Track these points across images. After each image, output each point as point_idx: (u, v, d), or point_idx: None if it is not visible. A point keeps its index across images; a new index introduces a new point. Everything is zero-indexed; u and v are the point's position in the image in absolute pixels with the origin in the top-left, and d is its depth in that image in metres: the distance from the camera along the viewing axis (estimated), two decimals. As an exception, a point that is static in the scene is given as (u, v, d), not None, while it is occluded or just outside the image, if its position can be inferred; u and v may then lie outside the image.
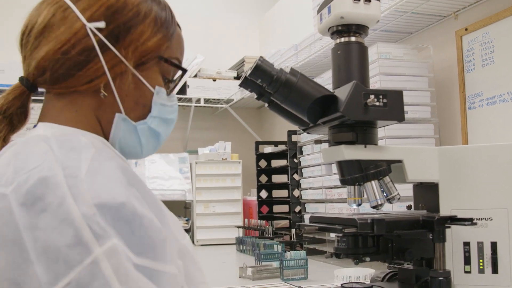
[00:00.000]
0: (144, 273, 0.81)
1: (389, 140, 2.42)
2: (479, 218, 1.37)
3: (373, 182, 1.34)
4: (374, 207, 1.33)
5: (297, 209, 3.50)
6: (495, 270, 1.35)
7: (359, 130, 1.33)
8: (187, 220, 4.40)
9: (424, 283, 1.32)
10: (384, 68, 2.46)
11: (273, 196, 4.05)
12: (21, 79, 1.06)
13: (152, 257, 0.83)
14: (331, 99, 1.29)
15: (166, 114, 1.14)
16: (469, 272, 1.37)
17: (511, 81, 2.32)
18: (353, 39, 1.38)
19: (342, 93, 1.28)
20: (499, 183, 1.37)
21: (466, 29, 2.55)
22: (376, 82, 2.44)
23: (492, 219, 1.36)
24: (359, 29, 1.38)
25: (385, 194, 1.35)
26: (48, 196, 0.80)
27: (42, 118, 1.06)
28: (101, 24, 1.03)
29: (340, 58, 1.38)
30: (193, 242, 4.28)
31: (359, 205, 1.36)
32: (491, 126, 2.42)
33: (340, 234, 1.32)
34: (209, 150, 4.49)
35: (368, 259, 1.31)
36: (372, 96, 1.25)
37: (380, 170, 1.33)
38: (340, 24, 1.37)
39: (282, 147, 3.91)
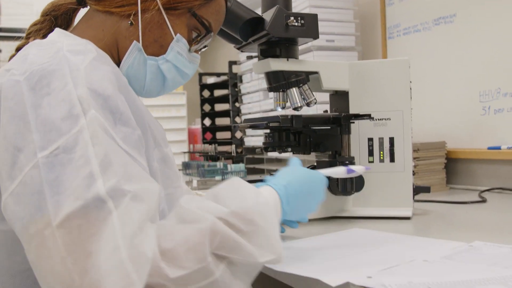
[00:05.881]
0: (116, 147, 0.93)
1: (317, 65, 2.72)
2: (381, 119, 1.68)
3: (294, 89, 1.62)
4: (294, 109, 1.63)
5: (238, 134, 3.80)
6: (392, 159, 1.68)
7: (283, 46, 1.60)
8: (135, 149, 4.64)
9: (335, 170, 1.63)
10: (314, 1, 2.73)
11: (216, 123, 4.34)
12: None
13: (127, 143, 0.96)
14: (259, 21, 1.57)
15: (180, 65, 1.24)
16: (372, 162, 1.69)
17: (423, 13, 2.64)
18: (278, -29, 1.64)
19: (268, 15, 1.55)
20: (396, 91, 1.68)
21: (386, -35, 2.84)
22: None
23: (390, 119, 1.68)
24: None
25: (304, 99, 1.65)
26: (54, 83, 0.95)
27: (74, 28, 1.23)
28: None
29: (267, -13, 1.64)
30: (141, 168, 4.54)
31: (283, 108, 1.65)
32: (407, 54, 2.74)
33: (268, 131, 1.63)
34: (155, 82, 4.69)
35: (289, 149, 1.62)
36: (292, 18, 1.54)
37: (299, 79, 1.62)
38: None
39: (224, 78, 4.18)
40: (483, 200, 1.97)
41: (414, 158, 2.29)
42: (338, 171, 1.33)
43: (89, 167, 0.87)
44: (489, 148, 2.28)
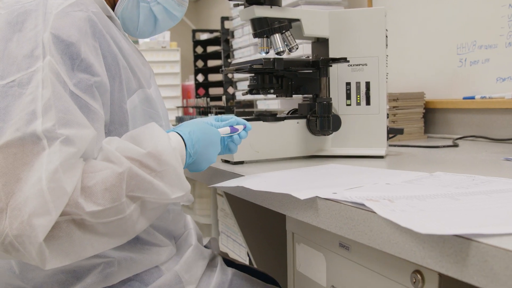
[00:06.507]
0: (72, 97, 1.03)
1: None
2: (358, 64, 1.79)
3: (276, 34, 1.73)
4: (277, 54, 1.74)
5: (231, 90, 3.90)
6: (368, 102, 1.79)
7: (266, -7, 1.71)
8: (130, 104, 4.75)
9: (314, 111, 1.75)
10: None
11: (209, 79, 4.44)
12: None
13: (80, 88, 1.05)
14: (245, -31, 1.67)
15: (170, 7, 1.37)
16: (350, 105, 1.81)
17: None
18: None
19: (253, -37, 1.66)
20: (372, 38, 1.78)
21: None
22: (294, -32, 2.81)
23: (367, 65, 1.79)
24: None
25: (286, 45, 1.76)
26: (27, 22, 1.06)
27: None
28: None
29: None
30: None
31: (266, 53, 1.76)
32: (390, 9, 2.85)
33: (252, 74, 1.75)
34: (149, 39, 4.78)
35: (272, 91, 1.74)
36: (275, -34, 1.65)
37: (282, 25, 1.73)
38: None
39: (216, 34, 4.27)
40: (455, 145, 2.09)
41: (393, 107, 2.42)
42: (225, 130, 1.40)
43: (34, 105, 0.98)
44: (464, 98, 2.40)
